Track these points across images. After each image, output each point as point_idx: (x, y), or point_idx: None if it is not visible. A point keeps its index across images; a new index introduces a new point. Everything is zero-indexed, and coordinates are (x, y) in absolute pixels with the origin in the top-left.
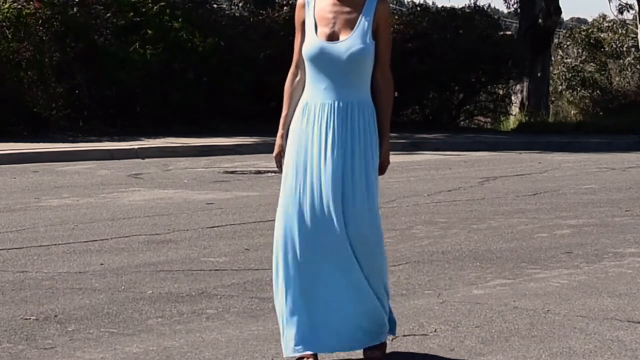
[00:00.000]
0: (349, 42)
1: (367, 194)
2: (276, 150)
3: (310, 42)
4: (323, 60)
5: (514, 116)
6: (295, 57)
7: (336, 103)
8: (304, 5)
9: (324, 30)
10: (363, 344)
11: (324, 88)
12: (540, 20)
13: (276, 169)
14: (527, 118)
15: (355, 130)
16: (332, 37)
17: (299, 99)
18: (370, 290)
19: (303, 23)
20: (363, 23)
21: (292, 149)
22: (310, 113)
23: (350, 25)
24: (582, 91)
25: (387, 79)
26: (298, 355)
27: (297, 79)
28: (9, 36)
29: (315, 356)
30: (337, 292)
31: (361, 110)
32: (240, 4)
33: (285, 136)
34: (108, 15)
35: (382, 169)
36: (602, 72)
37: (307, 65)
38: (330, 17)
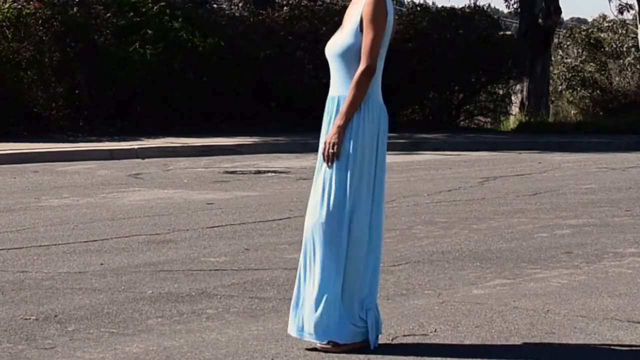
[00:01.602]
0: (336, 38)
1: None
2: None
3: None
4: (327, 56)
5: (514, 116)
6: None
7: (332, 97)
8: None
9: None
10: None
11: (331, 82)
12: (540, 20)
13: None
14: (527, 118)
15: (330, 124)
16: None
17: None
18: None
19: None
20: (353, 19)
21: None
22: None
23: (348, 22)
24: (582, 91)
25: (357, 74)
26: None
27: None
28: (9, 36)
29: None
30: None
31: (340, 104)
32: (240, 4)
33: None
34: (108, 15)
35: (323, 153)
36: (602, 72)
37: None
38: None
